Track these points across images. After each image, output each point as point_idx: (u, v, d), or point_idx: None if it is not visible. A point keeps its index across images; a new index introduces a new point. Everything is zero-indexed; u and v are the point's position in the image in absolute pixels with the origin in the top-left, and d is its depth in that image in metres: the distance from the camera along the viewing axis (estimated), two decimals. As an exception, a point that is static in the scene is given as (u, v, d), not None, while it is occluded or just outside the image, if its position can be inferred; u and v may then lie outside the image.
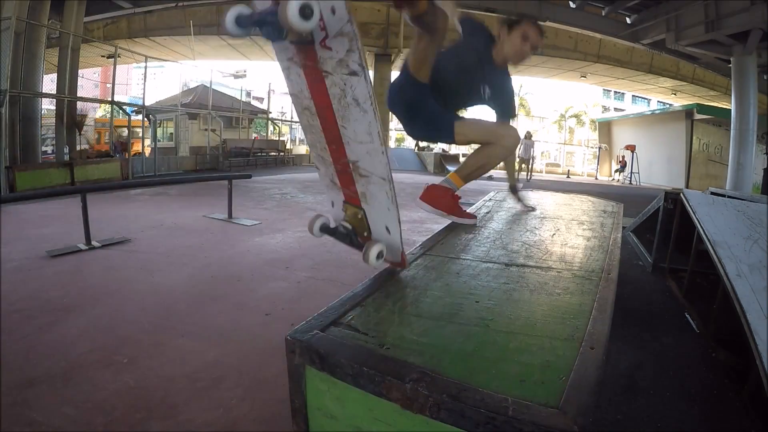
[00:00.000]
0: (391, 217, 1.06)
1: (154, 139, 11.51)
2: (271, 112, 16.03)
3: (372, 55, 13.64)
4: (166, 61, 14.97)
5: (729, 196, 3.24)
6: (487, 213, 2.07)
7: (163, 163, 9.86)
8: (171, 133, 14.28)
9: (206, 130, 12.31)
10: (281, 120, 18.03)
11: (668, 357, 1.88)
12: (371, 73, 14.26)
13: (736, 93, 9.74)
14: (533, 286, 1.08)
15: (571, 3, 11.08)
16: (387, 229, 1.09)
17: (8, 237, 3.25)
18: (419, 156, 14.89)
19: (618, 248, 1.48)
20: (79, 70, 8.90)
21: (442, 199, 1.73)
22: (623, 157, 15.12)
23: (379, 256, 1.07)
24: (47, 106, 10.64)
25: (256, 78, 26.74)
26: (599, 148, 17.70)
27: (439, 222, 1.86)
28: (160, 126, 13.93)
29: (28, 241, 3.23)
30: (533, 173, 13.06)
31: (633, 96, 28.46)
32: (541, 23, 1.75)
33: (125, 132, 10.81)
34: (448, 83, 1.63)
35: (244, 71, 18.30)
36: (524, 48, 1.66)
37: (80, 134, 8.97)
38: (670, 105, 17.91)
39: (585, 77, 16.47)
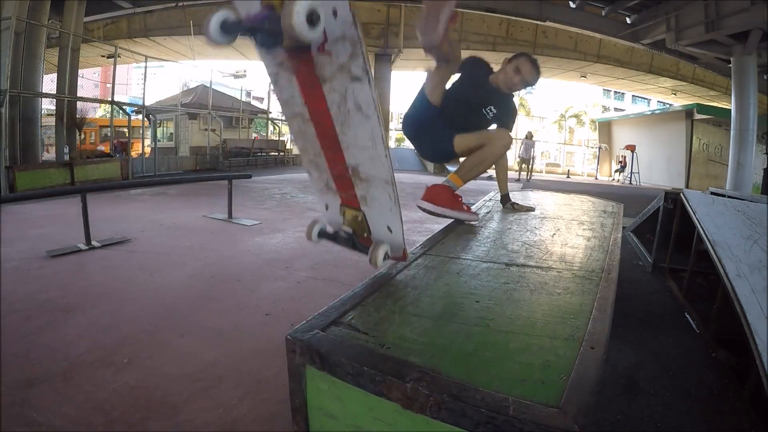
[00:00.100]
0: (394, 216, 1.05)
1: (154, 139, 11.50)
2: (271, 112, 16.01)
3: (372, 55, 13.64)
4: (166, 61, 14.95)
5: (729, 196, 3.24)
6: (487, 213, 2.07)
7: (163, 163, 9.85)
8: (171, 133, 14.29)
9: (206, 130, 12.30)
10: (281, 120, 18.03)
11: (668, 357, 1.88)
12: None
13: (736, 93, 9.73)
14: (533, 286, 1.08)
15: (571, 3, 11.08)
16: (389, 228, 1.08)
17: (8, 237, 3.25)
18: (419, 156, 14.84)
19: (618, 248, 1.48)
20: (79, 70, 8.89)
21: (442, 196, 1.79)
22: (624, 157, 15.12)
23: (386, 257, 1.06)
24: (47, 106, 10.64)
25: (256, 78, 26.76)
26: (599, 148, 17.70)
27: (439, 222, 1.86)
28: (160, 126, 13.93)
29: (28, 241, 3.23)
30: (533, 173, 13.05)
31: (633, 96, 28.47)
32: (536, 58, 1.97)
33: (120, 131, 10.71)
34: (456, 108, 1.84)
35: (244, 71, 18.30)
36: (515, 79, 1.86)
37: (80, 134, 8.97)
38: (670, 105, 17.90)
39: (585, 77, 16.46)
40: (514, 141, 17.62)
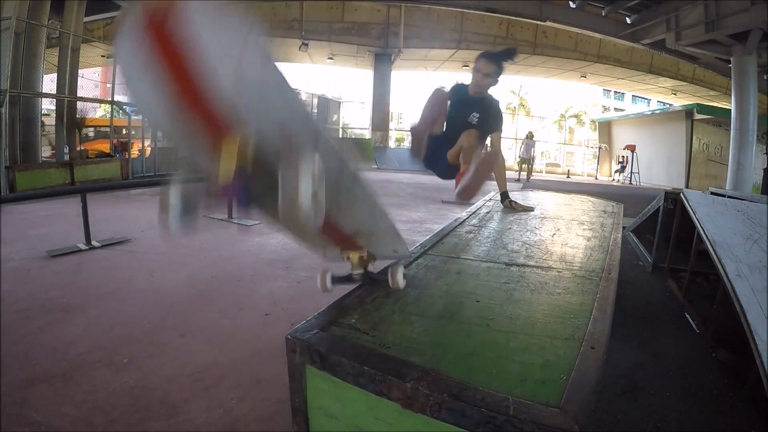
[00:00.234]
0: (396, 239, 1.10)
1: (154, 139, 11.50)
2: (271, 112, 16.00)
3: (372, 55, 13.63)
4: (166, 61, 14.93)
5: (729, 196, 3.24)
6: (487, 213, 2.07)
7: (164, 163, 9.85)
8: (171, 133, 14.23)
9: (206, 130, 12.28)
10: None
11: (668, 357, 1.88)
12: (371, 72, 14.27)
13: (736, 93, 9.73)
14: (534, 286, 1.08)
15: (571, 3, 11.07)
16: (395, 251, 1.14)
17: (8, 237, 3.25)
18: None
19: (618, 248, 1.48)
20: (79, 70, 8.89)
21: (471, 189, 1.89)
22: (625, 156, 15.11)
23: (404, 276, 1.08)
24: (47, 106, 10.62)
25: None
26: (599, 148, 17.68)
27: (439, 222, 1.86)
28: (160, 126, 13.91)
29: (28, 241, 3.23)
30: (533, 173, 13.05)
31: (633, 96, 28.44)
32: (496, 50, 2.10)
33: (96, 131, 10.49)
34: (450, 128, 2.07)
35: (244, 71, 18.26)
36: (481, 79, 2.00)
37: (80, 134, 8.96)
38: (670, 105, 17.88)
39: (585, 77, 16.44)
40: (514, 141, 17.49)
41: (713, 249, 1.86)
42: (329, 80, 39.95)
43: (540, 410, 0.58)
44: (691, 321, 2.27)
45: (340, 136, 17.48)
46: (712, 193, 3.77)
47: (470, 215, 2.05)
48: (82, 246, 3.13)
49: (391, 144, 15.87)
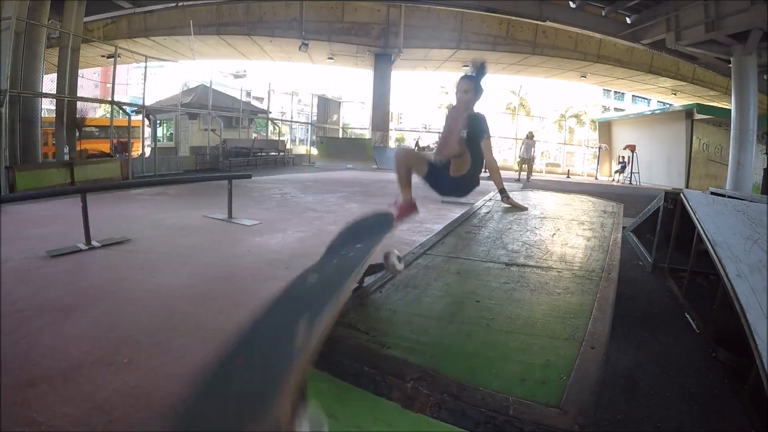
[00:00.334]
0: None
1: (154, 139, 11.50)
2: (271, 112, 15.98)
3: (372, 55, 13.63)
4: (166, 61, 14.95)
5: (729, 196, 3.24)
6: (487, 213, 2.07)
7: (163, 163, 9.85)
8: (171, 133, 14.27)
9: (206, 129, 12.29)
10: (281, 120, 18.03)
11: (668, 357, 1.88)
12: (371, 72, 14.27)
13: (736, 93, 9.72)
14: (534, 286, 1.08)
15: (571, 3, 11.07)
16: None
17: (8, 237, 3.24)
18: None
19: (618, 248, 1.48)
20: (79, 70, 8.89)
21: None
22: (624, 156, 15.10)
23: (399, 259, 1.09)
24: (47, 106, 10.62)
25: (256, 78, 26.76)
26: (599, 148, 17.67)
27: (439, 222, 1.86)
28: (160, 126, 13.92)
29: (28, 241, 3.23)
30: (533, 173, 13.04)
31: (633, 96, 28.43)
32: (468, 71, 2.15)
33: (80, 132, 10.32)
34: None
35: (244, 71, 18.27)
36: (463, 98, 2.05)
37: (79, 134, 8.95)
38: (670, 105, 17.88)
39: (585, 77, 16.45)
40: (514, 141, 17.47)
41: (713, 249, 1.86)
42: (329, 80, 39.98)
43: (540, 410, 0.58)
44: (691, 321, 2.27)
45: (340, 135, 17.49)
46: (712, 193, 3.77)
47: (470, 215, 2.05)
48: (82, 246, 3.13)
49: (391, 144, 15.87)
